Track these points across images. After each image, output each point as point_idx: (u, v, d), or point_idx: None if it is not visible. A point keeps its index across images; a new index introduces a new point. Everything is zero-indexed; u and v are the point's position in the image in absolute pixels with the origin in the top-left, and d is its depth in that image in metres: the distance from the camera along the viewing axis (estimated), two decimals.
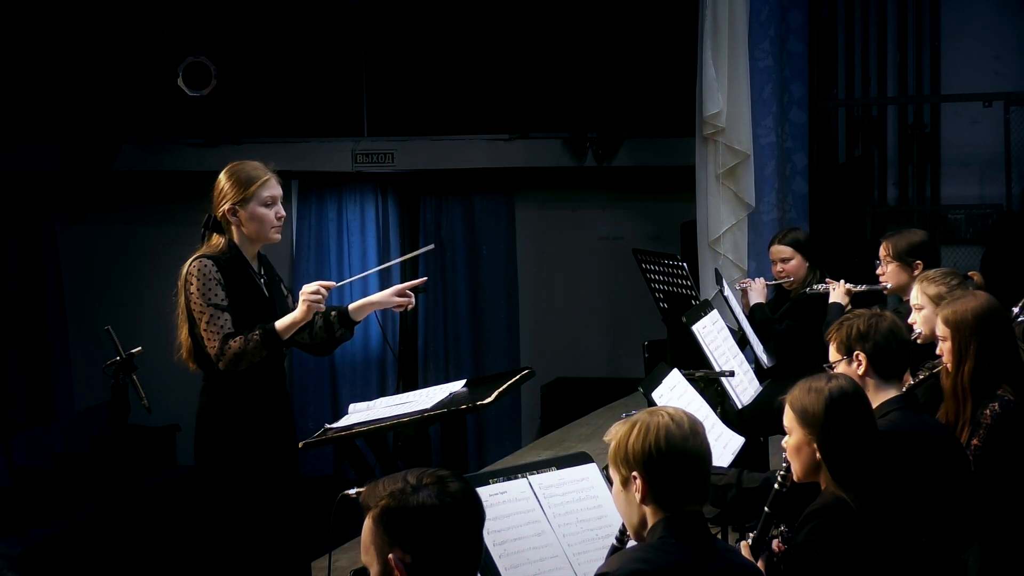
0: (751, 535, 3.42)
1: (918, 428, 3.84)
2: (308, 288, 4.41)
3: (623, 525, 3.10)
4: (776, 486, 3.46)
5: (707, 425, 3.73)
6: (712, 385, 4.94)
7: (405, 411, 4.35)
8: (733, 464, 4.30)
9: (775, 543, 3.40)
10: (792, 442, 3.41)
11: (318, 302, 4.39)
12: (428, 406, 4.33)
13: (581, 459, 3.52)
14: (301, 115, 10.75)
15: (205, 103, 10.39)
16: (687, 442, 2.96)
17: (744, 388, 5.20)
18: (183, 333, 4.46)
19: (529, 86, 10.46)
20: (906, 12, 9.40)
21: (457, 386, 4.54)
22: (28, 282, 11.47)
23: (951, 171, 9.30)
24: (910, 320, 4.73)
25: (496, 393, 4.22)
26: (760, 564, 3.32)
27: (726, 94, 7.99)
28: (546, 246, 11.06)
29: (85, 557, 8.16)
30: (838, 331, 3.97)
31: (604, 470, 3.38)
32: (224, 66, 10.38)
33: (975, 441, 4.07)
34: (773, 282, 6.42)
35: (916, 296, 4.73)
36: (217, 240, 4.48)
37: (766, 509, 3.44)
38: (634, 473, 2.96)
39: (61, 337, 11.46)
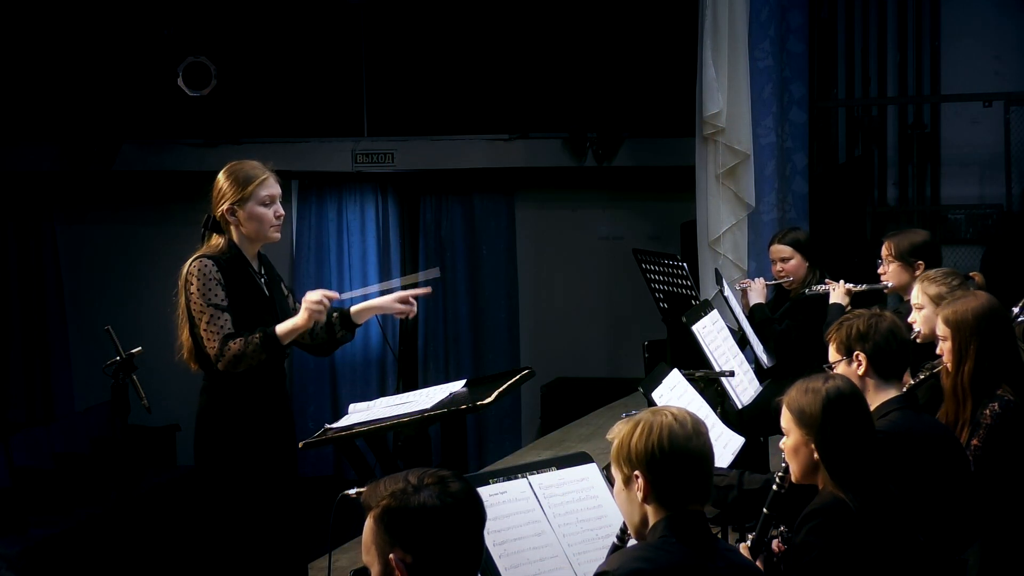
0: (750, 536, 3.42)
1: (918, 428, 3.84)
2: (312, 297, 4.42)
3: (624, 524, 3.10)
4: (774, 487, 3.47)
5: (707, 425, 3.73)
6: (712, 385, 4.94)
7: (405, 411, 4.35)
8: (733, 464, 4.30)
9: (775, 543, 3.40)
10: (790, 443, 3.41)
11: (320, 312, 4.41)
12: (428, 406, 4.33)
13: (581, 459, 3.52)
14: (301, 115, 10.75)
15: (205, 103, 10.39)
16: (690, 442, 2.96)
17: (744, 388, 5.20)
18: (184, 333, 4.46)
19: (529, 86, 10.46)
20: (906, 12, 9.40)
21: (457, 386, 4.54)
22: (28, 282, 11.47)
23: (951, 171, 9.30)
24: (910, 319, 4.73)
25: (496, 393, 4.22)
26: (759, 564, 3.32)
27: (726, 94, 7.99)
28: (546, 246, 11.06)
29: (85, 557, 8.16)
30: (838, 331, 3.97)
31: (604, 469, 3.38)
32: (224, 66, 10.38)
33: (975, 441, 4.07)
34: (773, 282, 6.42)
35: (916, 296, 4.73)
36: (217, 240, 4.48)
37: (764, 510, 3.44)
38: (636, 472, 2.96)
39: (61, 337, 11.46)
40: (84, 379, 11.28)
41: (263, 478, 4.44)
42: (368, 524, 2.54)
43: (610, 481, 3.17)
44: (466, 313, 11.09)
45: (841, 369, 3.91)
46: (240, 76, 10.53)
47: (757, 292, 6.38)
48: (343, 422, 4.44)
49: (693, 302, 6.38)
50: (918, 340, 4.63)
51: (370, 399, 4.83)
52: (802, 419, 3.37)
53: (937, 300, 4.57)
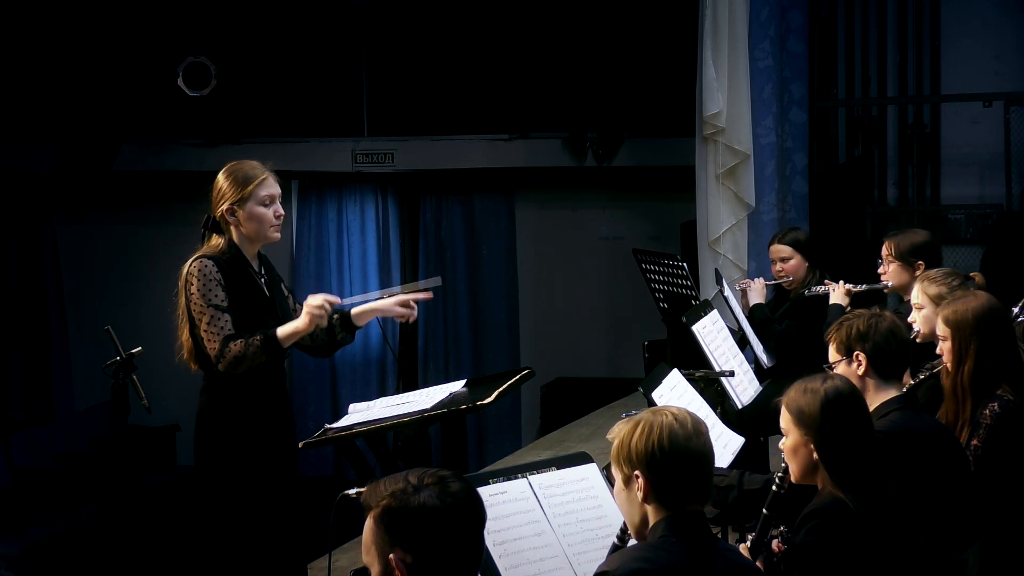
0: (750, 537, 3.42)
1: (918, 428, 3.84)
2: (313, 301, 4.42)
3: (624, 524, 3.10)
4: (774, 488, 3.47)
5: (707, 425, 3.73)
6: (712, 385, 4.94)
7: (405, 411, 4.35)
8: (733, 464, 4.30)
9: (775, 543, 3.40)
10: (789, 443, 3.41)
11: (321, 316, 4.41)
12: (428, 406, 4.33)
13: (581, 459, 3.52)
14: (301, 115, 10.75)
15: (205, 103, 10.39)
16: (690, 442, 2.96)
17: (744, 388, 5.20)
18: (184, 334, 4.46)
19: (529, 86, 10.45)
20: (906, 12, 9.40)
21: (457, 386, 4.54)
22: (28, 282, 11.47)
23: (951, 171, 9.30)
24: (910, 319, 4.74)
25: (496, 393, 4.22)
26: (759, 564, 3.32)
27: (726, 94, 7.99)
28: (546, 246, 11.06)
29: (85, 557, 8.16)
30: (838, 331, 3.97)
31: (604, 469, 3.38)
32: (224, 66, 10.38)
33: (975, 441, 4.07)
34: (772, 282, 6.43)
35: (917, 296, 4.74)
36: (217, 240, 4.48)
37: (764, 511, 3.44)
38: (636, 472, 2.96)
39: (61, 337, 11.46)
40: (84, 379, 11.28)
41: (263, 478, 4.44)
42: (368, 524, 2.54)
43: (610, 481, 3.17)
44: (466, 313, 11.08)
45: (841, 369, 3.91)
46: (240, 76, 10.53)
47: (757, 292, 6.38)
48: (343, 422, 4.44)
49: (693, 302, 6.38)
50: (917, 340, 4.63)
51: (370, 399, 4.84)
52: (801, 419, 3.37)
53: (937, 300, 4.58)
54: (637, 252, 7.38)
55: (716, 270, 7.16)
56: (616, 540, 3.18)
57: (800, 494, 3.42)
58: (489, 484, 3.28)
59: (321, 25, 10.66)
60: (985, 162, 9.19)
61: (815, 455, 3.34)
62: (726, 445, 4.39)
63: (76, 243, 11.50)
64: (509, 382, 4.41)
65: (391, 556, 2.49)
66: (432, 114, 10.67)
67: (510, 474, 3.36)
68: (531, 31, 10.41)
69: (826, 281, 6.04)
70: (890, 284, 5.55)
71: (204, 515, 4.53)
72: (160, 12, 10.50)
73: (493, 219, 11.05)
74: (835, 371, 3.91)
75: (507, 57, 10.46)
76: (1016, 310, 4.85)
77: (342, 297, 4.63)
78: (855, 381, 3.87)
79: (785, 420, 3.41)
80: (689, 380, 4.53)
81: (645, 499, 2.96)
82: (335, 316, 4.59)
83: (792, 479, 3.42)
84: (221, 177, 4.50)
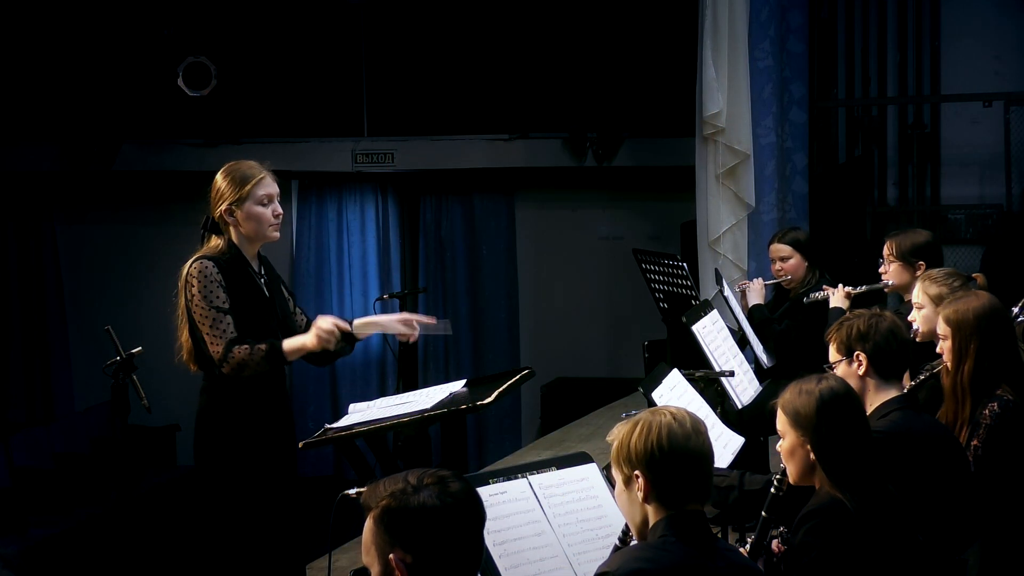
0: (750, 539, 3.42)
1: (918, 428, 3.84)
2: (324, 325, 4.42)
3: (626, 526, 3.11)
4: (772, 490, 3.47)
5: (707, 425, 3.73)
6: (712, 385, 4.93)
7: (405, 411, 4.35)
8: (733, 464, 4.30)
9: (775, 543, 3.40)
10: (786, 445, 3.41)
11: (329, 340, 4.41)
12: (428, 406, 4.33)
13: (581, 459, 3.52)
14: (301, 115, 10.75)
15: (205, 103, 10.39)
16: (689, 441, 2.97)
17: (744, 388, 5.20)
18: (183, 335, 4.46)
19: (529, 86, 10.45)
20: (906, 12, 9.40)
21: (457, 386, 4.54)
22: (28, 282, 11.47)
23: (951, 171, 9.30)
24: (910, 318, 4.74)
25: (496, 393, 4.21)
26: (759, 565, 3.32)
27: (726, 94, 7.99)
28: (546, 246, 11.06)
29: (85, 557, 8.16)
30: (838, 331, 3.97)
31: (604, 470, 3.38)
32: (224, 66, 10.38)
33: (975, 441, 4.07)
34: (772, 281, 6.43)
35: (918, 295, 4.74)
36: (216, 241, 4.48)
37: (763, 513, 3.44)
38: (636, 472, 2.97)
39: (61, 337, 11.46)
40: (84, 379, 11.28)
41: (263, 478, 4.44)
42: (368, 525, 2.54)
43: (610, 482, 3.17)
44: (466, 313, 11.08)
45: (842, 369, 3.91)
46: (240, 76, 10.53)
47: (756, 293, 6.39)
48: (343, 422, 4.44)
49: (693, 302, 6.38)
50: (917, 339, 4.63)
51: (370, 399, 4.83)
52: (797, 421, 3.37)
53: (937, 300, 4.58)
54: (637, 252, 7.38)
55: (716, 270, 7.16)
56: (618, 542, 3.18)
57: (799, 494, 3.42)
58: (489, 484, 3.28)
59: (321, 25, 10.66)
60: (985, 162, 9.19)
61: (812, 456, 3.35)
62: (726, 445, 4.39)
63: (76, 243, 11.50)
64: (509, 382, 4.40)
65: (391, 556, 2.49)
66: (432, 114, 10.67)
67: (510, 474, 3.36)
68: (531, 31, 10.41)
69: (824, 286, 6.03)
70: (891, 283, 5.55)
71: (204, 515, 4.53)
72: (160, 12, 10.50)
73: (493, 219, 11.05)
74: (835, 371, 3.91)
75: (507, 57, 10.46)
76: (1016, 310, 4.85)
77: (351, 321, 4.60)
78: (855, 381, 3.87)
79: (781, 422, 3.42)
80: (689, 380, 4.53)
81: (645, 499, 2.97)
82: None
83: (790, 480, 3.43)
84: (219, 177, 4.50)
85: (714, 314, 5.40)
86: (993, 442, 4.05)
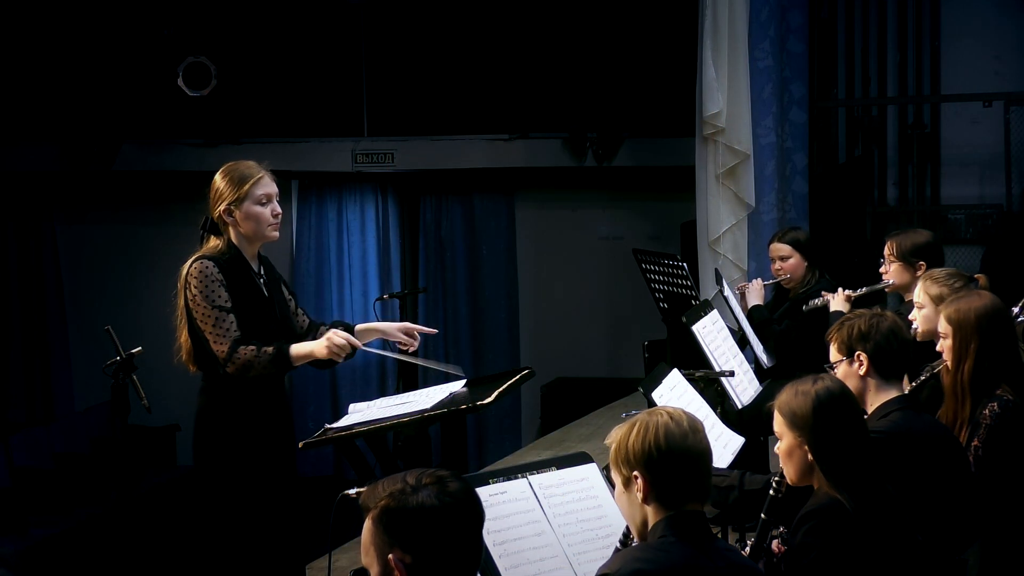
0: (750, 540, 3.42)
1: (919, 428, 3.84)
2: (337, 340, 4.41)
3: (627, 527, 3.11)
4: (771, 492, 3.47)
5: (707, 425, 3.73)
6: (712, 385, 4.93)
7: (405, 411, 4.35)
8: (733, 464, 4.30)
9: (775, 543, 3.40)
10: (784, 447, 3.41)
11: (339, 355, 4.41)
12: (428, 406, 4.33)
13: (581, 459, 3.52)
14: (301, 115, 10.75)
15: (205, 103, 10.39)
16: (687, 439, 2.97)
17: (744, 388, 5.20)
18: (183, 335, 4.46)
19: (529, 86, 10.45)
20: (906, 12, 9.40)
21: (457, 386, 4.54)
22: (28, 282, 11.47)
23: (951, 171, 9.30)
24: (911, 317, 4.74)
25: (496, 393, 4.21)
26: (760, 566, 3.32)
27: (726, 94, 7.98)
28: (546, 246, 11.06)
29: (85, 557, 8.16)
30: (839, 331, 3.98)
31: (604, 470, 3.38)
32: (224, 66, 10.38)
33: (975, 442, 4.07)
34: (771, 281, 6.43)
35: (919, 294, 4.75)
36: (215, 242, 4.48)
37: (763, 515, 3.44)
38: (635, 473, 2.97)
39: (61, 337, 11.46)
40: (84, 379, 11.28)
41: (262, 478, 4.44)
42: (367, 525, 2.54)
43: (611, 483, 3.17)
44: (466, 313, 11.08)
45: (842, 369, 3.91)
46: (240, 76, 10.53)
47: (755, 294, 6.39)
48: (343, 422, 4.44)
49: (693, 302, 6.38)
50: (916, 338, 4.64)
51: (370, 399, 4.83)
52: (794, 422, 3.37)
53: (938, 300, 4.58)
54: (637, 252, 7.38)
55: (716, 270, 7.16)
56: (619, 544, 3.18)
57: (798, 495, 3.42)
58: (489, 484, 3.28)
59: (321, 25, 10.66)
60: (985, 162, 9.18)
61: (810, 457, 3.35)
62: (726, 445, 4.39)
63: (76, 243, 11.49)
64: (509, 382, 4.40)
65: (390, 556, 2.49)
66: (432, 114, 10.67)
67: (510, 474, 3.36)
68: (531, 31, 10.41)
69: (823, 292, 6.02)
70: (891, 283, 5.55)
71: (203, 515, 4.53)
72: (160, 12, 10.50)
73: (493, 219, 11.04)
74: (836, 371, 3.91)
75: (507, 57, 10.46)
76: (1016, 310, 4.85)
77: (362, 342, 4.59)
78: (856, 381, 3.88)
79: (778, 423, 3.42)
80: (689, 380, 4.53)
81: (645, 500, 2.97)
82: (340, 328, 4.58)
83: (789, 481, 3.43)
84: (218, 178, 4.50)
85: (714, 314, 5.40)
86: (993, 442, 4.05)
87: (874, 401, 3.90)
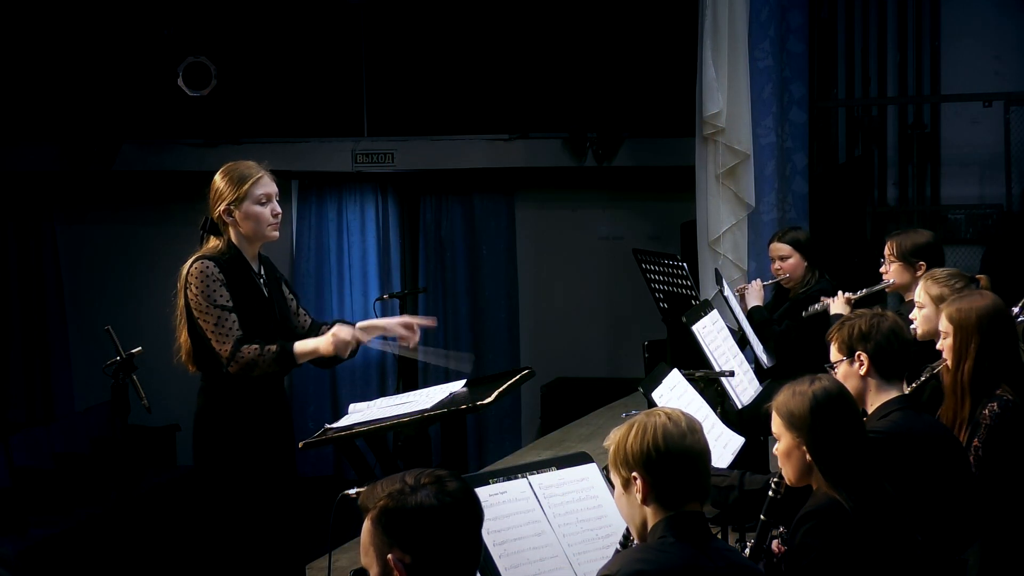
0: (749, 543, 3.42)
1: (919, 428, 3.84)
2: (343, 335, 4.42)
3: (627, 529, 3.11)
4: (770, 493, 3.47)
5: (707, 425, 3.73)
6: (712, 385, 4.93)
7: (405, 411, 4.35)
8: (733, 464, 4.30)
9: (775, 544, 3.40)
10: (782, 447, 3.41)
11: (344, 350, 4.42)
12: (428, 406, 4.33)
13: (581, 459, 3.52)
14: (301, 115, 10.75)
15: (205, 103, 10.39)
16: (685, 439, 2.97)
17: (744, 388, 5.20)
18: (182, 335, 4.46)
19: (529, 86, 10.45)
20: (906, 12, 9.40)
21: (457, 386, 4.54)
22: (28, 282, 11.47)
23: (951, 171, 9.29)
24: (911, 316, 4.74)
25: (496, 393, 4.21)
26: (760, 566, 3.32)
27: (726, 94, 7.98)
28: (546, 246, 11.06)
29: (85, 557, 8.16)
30: (839, 331, 3.98)
31: (604, 470, 3.38)
32: (224, 66, 10.37)
33: (976, 442, 4.07)
34: (771, 281, 6.43)
35: (920, 294, 4.75)
36: (215, 242, 4.48)
37: (762, 517, 3.44)
38: (634, 474, 2.97)
39: (61, 337, 11.46)
40: (84, 379, 11.28)
41: (261, 478, 4.44)
42: (366, 526, 2.54)
43: (611, 484, 3.17)
44: (466, 313, 11.08)
45: (843, 369, 3.91)
46: (240, 76, 10.53)
47: (754, 295, 6.39)
48: (343, 422, 4.44)
49: (693, 302, 6.38)
50: (916, 338, 4.64)
51: (370, 399, 4.83)
52: (792, 422, 3.37)
53: (938, 300, 4.58)
54: (637, 252, 7.38)
55: (716, 270, 7.16)
56: (619, 546, 3.18)
57: (798, 494, 3.42)
58: (489, 484, 3.28)
59: (321, 25, 10.66)
60: (985, 162, 9.18)
61: (808, 457, 3.35)
62: (726, 445, 4.39)
63: (76, 243, 11.49)
64: (509, 382, 4.40)
65: (389, 557, 2.49)
66: (432, 114, 10.67)
67: (510, 474, 3.36)
68: (531, 31, 10.41)
69: (823, 298, 6.00)
70: (892, 282, 5.55)
71: (203, 515, 4.53)
72: (160, 12, 10.50)
73: (493, 219, 11.04)
74: (837, 371, 3.91)
75: (507, 57, 10.46)
76: (1016, 310, 4.85)
77: (369, 341, 4.60)
78: (857, 381, 3.88)
79: (776, 424, 3.42)
80: (689, 380, 4.53)
81: (644, 500, 2.97)
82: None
83: (787, 482, 3.43)
84: (217, 178, 4.50)
85: (714, 314, 5.40)
86: (993, 442, 4.05)
87: (874, 401, 3.90)
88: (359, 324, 4.60)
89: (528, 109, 10.49)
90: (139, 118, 10.69)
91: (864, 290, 5.78)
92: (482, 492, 3.13)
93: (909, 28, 9.39)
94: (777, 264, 6.37)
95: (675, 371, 4.46)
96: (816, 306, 5.99)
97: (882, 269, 5.61)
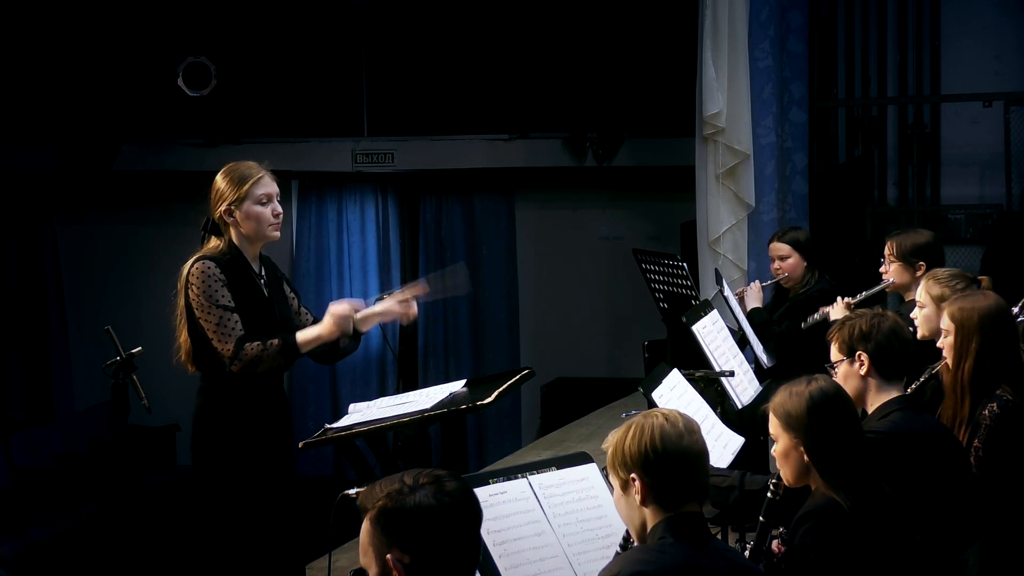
0: (749, 544, 3.42)
1: (919, 428, 3.84)
2: (339, 310, 4.42)
3: (627, 532, 3.11)
4: (769, 494, 3.47)
5: (707, 425, 3.74)
6: (712, 385, 4.93)
7: (405, 411, 4.35)
8: (733, 464, 4.30)
9: (774, 544, 3.40)
10: (780, 448, 3.41)
11: (346, 323, 4.42)
12: (428, 406, 4.33)
13: (581, 459, 3.52)
14: (301, 115, 10.75)
15: (205, 103, 10.39)
16: (683, 440, 2.97)
17: (744, 388, 5.20)
18: (182, 335, 4.46)
19: (529, 86, 10.45)
20: (906, 12, 9.40)
21: (457, 386, 4.54)
22: (28, 282, 11.47)
23: (951, 171, 9.29)
24: (911, 315, 4.74)
25: (496, 393, 4.21)
26: (760, 567, 3.32)
27: (726, 94, 7.98)
28: (546, 246, 11.06)
29: (85, 557, 8.16)
30: (840, 331, 3.98)
31: (604, 470, 3.38)
32: (224, 66, 10.38)
33: (976, 442, 4.07)
34: (770, 281, 6.43)
35: (921, 294, 4.75)
36: (216, 242, 4.49)
37: (761, 518, 3.44)
38: (633, 475, 2.97)
39: (61, 337, 11.46)
40: (84, 379, 11.28)
41: (261, 478, 4.44)
42: (365, 526, 2.54)
43: (611, 485, 3.17)
44: (466, 313, 11.08)
45: (843, 369, 3.91)
46: (240, 76, 10.53)
47: (754, 296, 6.39)
48: (343, 422, 4.43)
49: (693, 302, 6.38)
50: (916, 338, 4.64)
51: (370, 399, 4.83)
52: (789, 423, 3.37)
53: (939, 301, 4.58)
54: (637, 252, 7.38)
55: (716, 270, 7.16)
56: (619, 548, 3.18)
57: (797, 494, 3.42)
58: (489, 484, 3.28)
59: (321, 25, 10.66)
60: (985, 162, 9.18)
61: (806, 458, 3.35)
62: (726, 445, 4.39)
63: (76, 243, 11.50)
64: (509, 382, 4.40)
65: (388, 557, 2.49)
66: (432, 114, 10.67)
67: (510, 474, 3.36)
68: (531, 31, 10.41)
69: (821, 307, 5.99)
70: (892, 281, 5.55)
71: (202, 516, 4.53)
72: (160, 12, 10.50)
73: (493, 219, 11.05)
74: (837, 371, 3.91)
75: (507, 57, 10.46)
76: (1017, 310, 4.85)
77: (366, 299, 4.59)
78: (857, 381, 3.88)
79: (774, 425, 3.42)
80: (689, 380, 4.53)
81: (643, 502, 2.97)
82: None
83: (786, 483, 3.43)
84: (218, 178, 4.50)
85: (714, 314, 5.40)
86: (993, 442, 4.05)
87: (875, 401, 3.90)
88: (358, 315, 4.56)
89: (528, 109, 10.49)
90: (139, 118, 10.69)
91: (863, 293, 5.78)
92: (482, 492, 3.13)
93: (909, 28, 9.38)
94: (777, 264, 6.37)
95: (675, 371, 4.46)
96: (815, 316, 5.98)
97: (882, 269, 5.61)
